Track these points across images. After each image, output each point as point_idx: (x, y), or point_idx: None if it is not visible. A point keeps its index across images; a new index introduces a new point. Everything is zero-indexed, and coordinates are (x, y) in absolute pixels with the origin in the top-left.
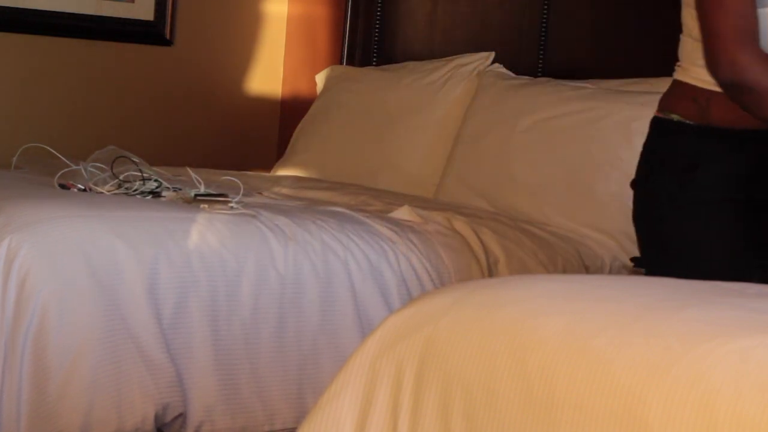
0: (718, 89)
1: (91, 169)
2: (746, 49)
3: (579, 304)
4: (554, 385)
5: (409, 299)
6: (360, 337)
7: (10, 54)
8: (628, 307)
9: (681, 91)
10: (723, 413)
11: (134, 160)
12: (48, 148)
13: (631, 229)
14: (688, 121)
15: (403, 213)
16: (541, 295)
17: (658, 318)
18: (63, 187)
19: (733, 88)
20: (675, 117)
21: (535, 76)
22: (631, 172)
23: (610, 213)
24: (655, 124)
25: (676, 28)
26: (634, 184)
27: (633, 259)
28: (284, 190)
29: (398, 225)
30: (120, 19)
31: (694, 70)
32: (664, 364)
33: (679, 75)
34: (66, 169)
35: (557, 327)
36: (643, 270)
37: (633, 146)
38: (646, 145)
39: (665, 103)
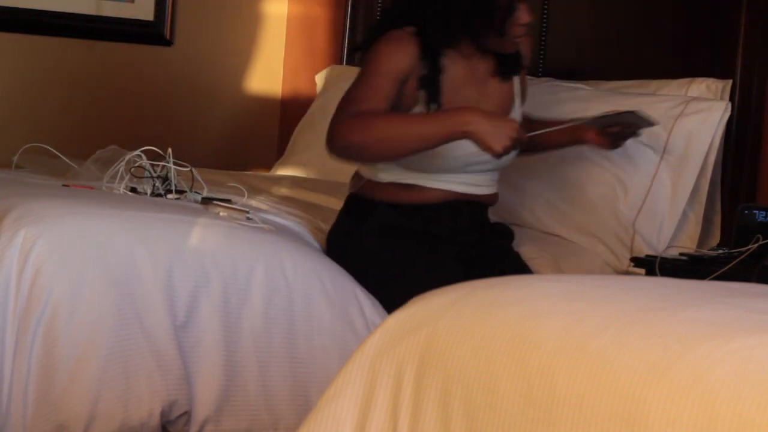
0: (375, 179)
1: (93, 169)
2: (339, 118)
3: (579, 304)
4: (554, 385)
5: None
6: None
7: (10, 54)
8: (628, 308)
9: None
10: (723, 413)
11: (144, 160)
12: (49, 147)
13: (621, 231)
14: (355, 193)
15: None
16: (541, 295)
17: (658, 318)
18: (67, 187)
19: (342, 159)
20: (351, 191)
21: (536, 76)
22: (622, 174)
23: (600, 215)
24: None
25: (678, 29)
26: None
27: (633, 259)
28: (284, 191)
29: None
30: (120, 19)
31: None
32: (664, 364)
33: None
34: (73, 169)
35: (557, 327)
36: (643, 270)
37: (624, 148)
38: None
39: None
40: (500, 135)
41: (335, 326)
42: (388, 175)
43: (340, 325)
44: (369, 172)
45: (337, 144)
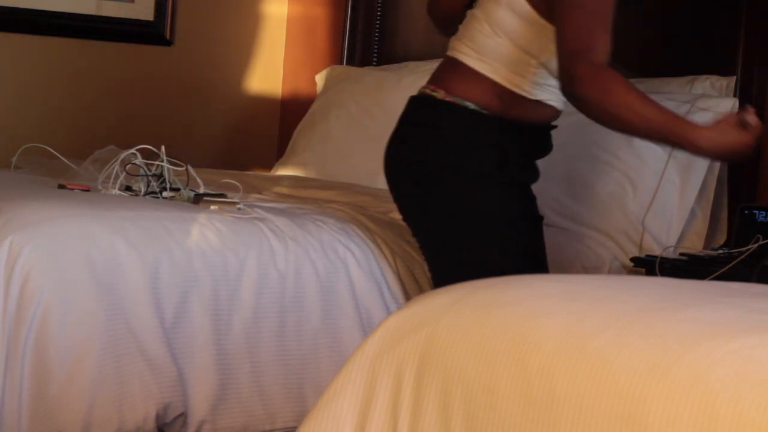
0: (527, 95)
1: (91, 169)
2: (583, 63)
3: (579, 304)
4: (554, 385)
5: (409, 299)
6: (360, 337)
7: (10, 54)
8: (628, 308)
9: (483, 84)
10: (723, 413)
11: (138, 158)
12: (48, 148)
13: (630, 229)
14: (485, 111)
15: None
16: (541, 295)
17: (658, 318)
18: (63, 187)
19: (572, 100)
20: (471, 105)
21: None
22: (631, 173)
23: (610, 213)
24: (443, 105)
25: (681, 29)
26: (401, 151)
27: (633, 259)
28: (284, 190)
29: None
30: (120, 19)
31: (510, 75)
32: (664, 364)
33: (482, 69)
34: (71, 170)
35: (557, 327)
36: (643, 270)
37: (632, 146)
38: (425, 120)
39: (456, 89)
40: (736, 155)
41: (326, 314)
42: (538, 91)
43: (330, 312)
44: (518, 87)
45: (576, 92)
